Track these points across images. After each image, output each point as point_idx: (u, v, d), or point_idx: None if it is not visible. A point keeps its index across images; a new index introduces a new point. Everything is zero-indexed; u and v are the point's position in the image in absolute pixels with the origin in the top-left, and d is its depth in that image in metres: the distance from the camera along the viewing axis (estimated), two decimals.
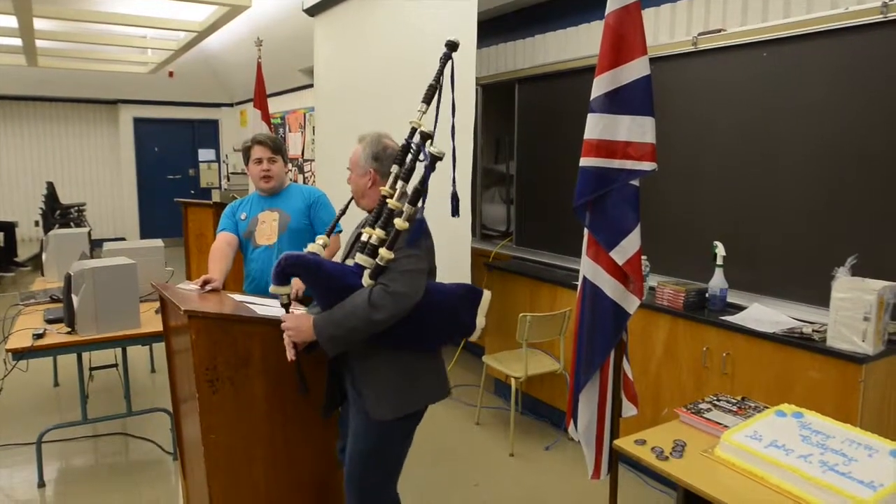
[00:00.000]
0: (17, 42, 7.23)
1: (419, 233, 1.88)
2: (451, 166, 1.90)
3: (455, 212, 2.00)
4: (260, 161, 2.84)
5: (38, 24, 6.34)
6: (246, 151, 2.89)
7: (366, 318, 1.79)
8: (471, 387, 4.32)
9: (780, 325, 2.55)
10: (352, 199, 2.13)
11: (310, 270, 1.88)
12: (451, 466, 3.32)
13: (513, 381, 3.46)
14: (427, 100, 1.94)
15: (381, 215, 1.88)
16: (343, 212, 2.20)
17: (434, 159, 1.82)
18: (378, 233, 1.84)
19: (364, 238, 1.90)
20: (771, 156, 2.76)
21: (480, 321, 1.99)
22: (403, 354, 1.95)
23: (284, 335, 1.95)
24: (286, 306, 2.00)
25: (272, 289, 1.93)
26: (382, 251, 1.81)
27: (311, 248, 1.99)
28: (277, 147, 2.87)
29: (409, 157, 1.91)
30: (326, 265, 1.89)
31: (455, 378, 4.46)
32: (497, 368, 3.61)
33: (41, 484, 3.12)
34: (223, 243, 2.80)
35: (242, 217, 2.89)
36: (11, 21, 6.15)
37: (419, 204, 1.85)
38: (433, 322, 1.94)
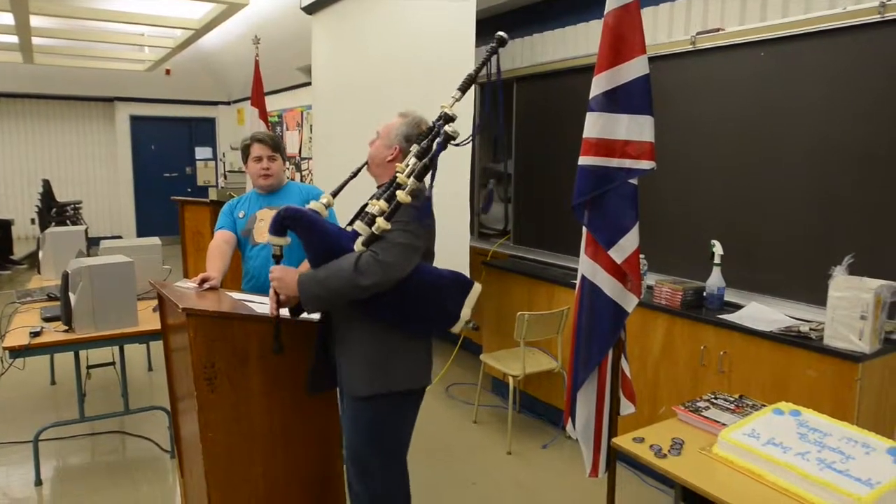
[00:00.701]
0: (14, 39, 7.21)
1: (425, 211, 1.87)
2: (433, 166, 1.85)
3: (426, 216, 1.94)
4: (259, 159, 2.84)
5: (35, 21, 6.32)
6: (245, 149, 2.89)
7: (350, 281, 1.80)
8: (468, 385, 4.32)
9: (778, 323, 2.56)
10: (365, 163, 2.12)
11: (307, 226, 1.89)
12: (448, 465, 3.33)
13: (510, 380, 3.46)
14: (463, 88, 1.94)
15: (389, 189, 1.89)
16: (353, 175, 2.18)
17: (448, 138, 1.81)
18: (381, 204, 1.84)
19: (368, 209, 1.90)
20: (769, 155, 2.77)
21: (466, 312, 1.96)
22: (382, 331, 1.94)
23: (271, 287, 1.98)
24: (277, 258, 1.99)
25: (268, 238, 1.94)
26: (379, 220, 1.81)
27: (313, 205, 1.99)
28: (276, 145, 2.87)
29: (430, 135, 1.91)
30: (324, 224, 1.91)
31: (453, 376, 4.47)
32: (495, 367, 3.61)
33: (38, 482, 3.12)
34: (221, 241, 2.80)
35: (240, 215, 2.89)
36: (8, 18, 6.13)
37: (426, 181, 1.84)
38: (416, 301, 1.92)
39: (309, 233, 1.89)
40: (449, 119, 1.86)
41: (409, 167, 1.86)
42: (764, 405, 1.95)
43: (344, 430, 2.10)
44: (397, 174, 1.85)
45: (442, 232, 3.66)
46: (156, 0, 5.93)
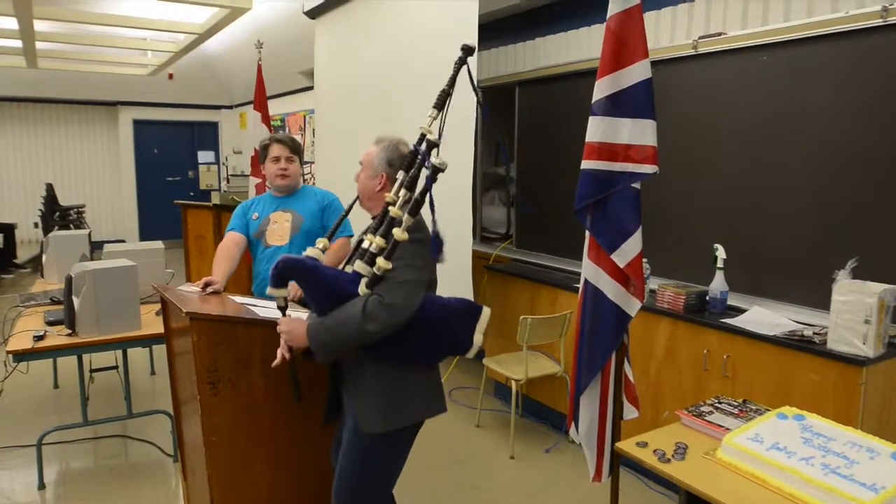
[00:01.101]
0: (18, 44, 7.24)
1: (430, 247, 1.84)
2: (429, 199, 1.77)
3: (436, 255, 1.87)
4: (277, 159, 2.84)
5: (38, 25, 6.34)
6: (264, 149, 2.89)
7: (358, 328, 1.77)
8: (471, 389, 4.32)
9: (781, 327, 2.56)
10: (357, 198, 2.10)
11: (307, 275, 1.86)
12: (450, 469, 3.32)
13: (513, 384, 3.46)
14: (438, 106, 1.90)
15: (383, 222, 1.86)
16: (347, 212, 2.18)
17: (436, 171, 1.78)
18: (378, 241, 1.80)
19: (365, 245, 1.87)
20: (771, 159, 2.77)
21: (478, 339, 1.94)
22: (394, 366, 1.91)
23: (281, 340, 1.95)
24: (282, 309, 1.98)
25: (269, 290, 1.92)
26: (380, 261, 1.78)
27: (309, 251, 1.97)
28: (296, 147, 2.88)
29: (416, 164, 1.87)
30: (324, 271, 1.88)
31: (455, 381, 4.46)
32: (497, 371, 3.61)
33: (41, 486, 3.12)
34: (230, 243, 2.79)
35: (254, 217, 2.88)
36: (12, 23, 6.15)
37: (420, 216, 1.81)
38: (427, 336, 1.90)
39: (309, 281, 1.86)
40: (432, 145, 1.82)
41: (401, 199, 1.83)
42: (768, 409, 1.95)
43: (340, 460, 2.03)
44: (389, 207, 1.82)
45: (444, 235, 3.65)
46: (159, 4, 5.94)
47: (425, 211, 1.78)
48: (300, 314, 2.15)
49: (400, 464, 2.04)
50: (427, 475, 3.23)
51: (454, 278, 3.57)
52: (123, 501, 3.02)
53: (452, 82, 1.92)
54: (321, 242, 2.02)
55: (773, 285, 2.79)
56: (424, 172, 1.80)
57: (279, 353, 1.99)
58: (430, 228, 1.81)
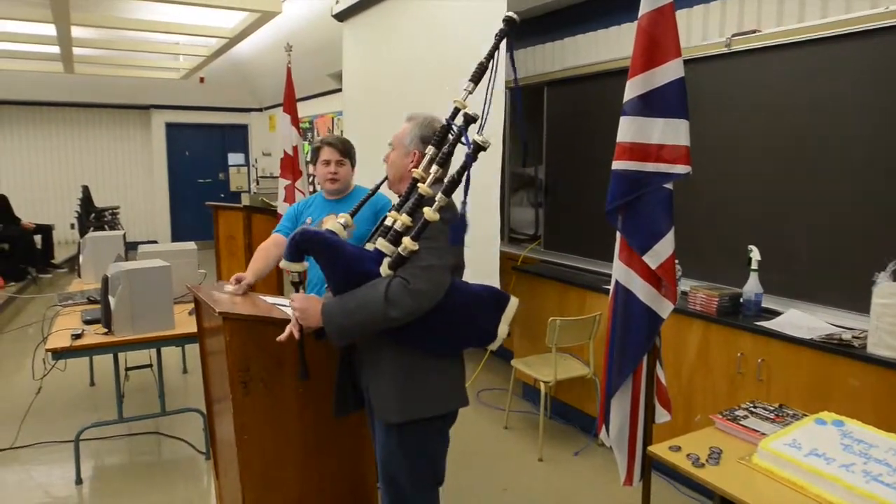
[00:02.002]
0: (56, 50, 7.43)
1: (458, 231, 1.73)
2: (466, 179, 1.67)
3: (457, 240, 1.79)
4: (328, 163, 2.81)
5: (76, 31, 6.51)
6: (315, 152, 2.86)
7: (380, 312, 1.67)
8: (499, 390, 4.31)
9: (818, 331, 2.50)
10: (384, 179, 2.01)
11: (327, 250, 1.76)
12: (479, 470, 3.31)
13: (542, 386, 3.44)
14: (475, 79, 1.79)
15: (408, 198, 1.77)
16: (372, 193, 2.11)
17: (478, 148, 1.66)
18: (404, 219, 1.69)
19: (388, 222, 1.77)
20: (808, 158, 2.70)
21: (503, 330, 1.83)
22: (412, 355, 1.82)
23: (292, 316, 1.85)
24: (296, 284, 1.88)
25: (282, 264, 1.81)
26: (406, 240, 1.66)
27: (329, 225, 1.88)
28: (347, 150, 2.83)
29: (450, 140, 1.76)
30: (345, 247, 1.78)
31: (483, 381, 4.45)
32: (526, 372, 3.59)
33: (78, 481, 3.19)
34: (272, 244, 2.73)
35: (308, 221, 2.85)
36: (50, 29, 6.32)
37: (455, 196, 1.71)
38: (451, 322, 1.79)
39: (328, 256, 1.77)
40: (470, 119, 1.71)
41: (432, 175, 1.74)
42: (805, 415, 1.90)
43: (377, 454, 1.98)
44: (418, 185, 1.73)
45: (472, 237, 3.63)
46: (191, 9, 6.05)
47: (457, 193, 1.69)
48: (286, 308, 2.06)
49: (434, 457, 1.94)
50: (455, 476, 3.22)
51: (482, 279, 3.55)
52: (157, 498, 3.07)
53: (491, 55, 1.79)
54: (343, 217, 1.92)
55: (809, 287, 2.73)
56: (460, 149, 1.70)
57: (288, 328, 1.88)
58: (459, 210, 1.73)
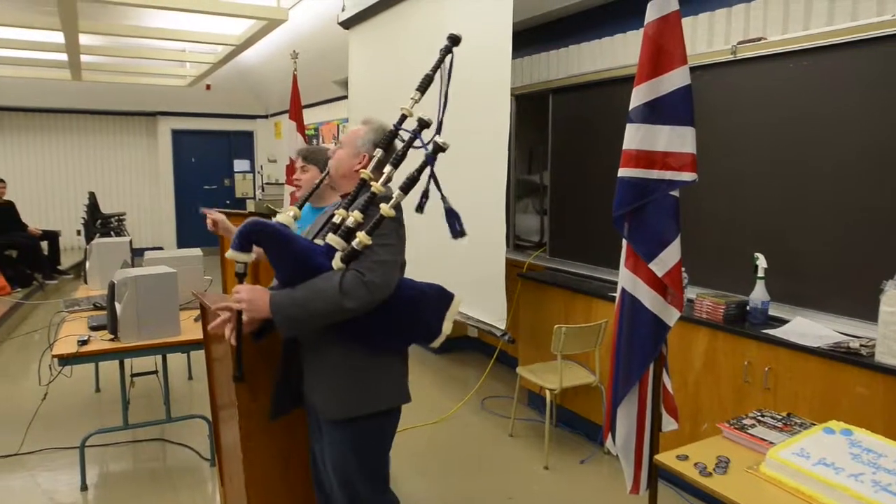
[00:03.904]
0: (63, 57, 7.48)
1: (400, 223, 1.81)
2: (430, 179, 1.74)
3: (456, 232, 1.79)
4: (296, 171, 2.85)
5: (83, 39, 6.56)
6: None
7: (334, 303, 1.68)
8: (504, 398, 4.29)
9: (825, 339, 2.49)
10: (325, 174, 2.09)
11: (276, 241, 1.74)
12: (484, 478, 3.30)
13: (547, 393, 3.43)
14: (422, 88, 1.88)
15: (356, 198, 1.81)
16: (315, 189, 2.17)
17: (437, 150, 1.73)
18: (356, 215, 1.72)
19: (336, 220, 1.78)
20: (814, 165, 2.70)
21: (447, 327, 1.86)
22: (357, 352, 1.83)
23: (234, 309, 1.78)
24: (240, 276, 1.81)
25: (229, 254, 1.74)
26: (361, 235, 1.69)
27: (280, 218, 1.86)
28: (307, 156, 2.82)
29: (400, 144, 1.83)
30: (296, 240, 1.77)
31: (488, 389, 4.44)
32: (531, 380, 3.58)
33: (84, 487, 3.19)
34: None
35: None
36: (58, 37, 6.37)
37: (416, 191, 1.75)
38: (395, 320, 1.82)
39: (278, 248, 1.75)
40: (424, 124, 1.79)
41: (385, 175, 1.79)
42: (813, 424, 1.89)
43: (327, 457, 1.97)
44: (371, 184, 1.76)
45: (478, 243, 3.64)
46: (198, 17, 6.09)
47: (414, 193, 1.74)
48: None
49: (381, 454, 1.96)
50: (460, 484, 3.22)
51: (487, 286, 3.56)
52: None
53: (436, 68, 1.92)
54: (292, 210, 1.94)
55: (816, 295, 2.71)
56: (416, 153, 1.76)
57: (227, 329, 1.83)
58: (444, 205, 1.75)
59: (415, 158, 1.79)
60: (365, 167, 1.89)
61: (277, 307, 1.74)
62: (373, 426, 1.90)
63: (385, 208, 1.70)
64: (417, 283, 1.89)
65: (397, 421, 1.99)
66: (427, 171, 1.75)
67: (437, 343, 1.90)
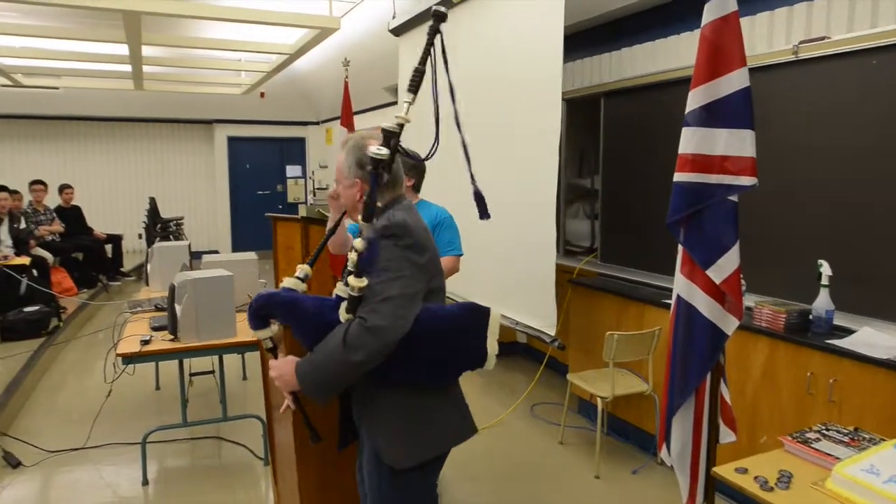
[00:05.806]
0: (127, 68, 7.81)
1: (416, 247, 1.63)
2: (466, 160, 1.67)
3: (483, 213, 1.71)
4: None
5: (146, 51, 6.83)
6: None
7: (344, 361, 1.54)
8: (553, 405, 4.25)
9: (894, 350, 2.37)
10: (344, 212, 1.92)
11: (284, 308, 1.70)
12: (533, 486, 3.27)
13: (599, 401, 3.37)
14: (413, 88, 1.69)
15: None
16: (331, 233, 1.99)
17: (374, 163, 1.57)
18: (352, 256, 1.58)
19: (352, 257, 1.63)
20: (881, 169, 2.58)
21: (492, 346, 1.71)
22: (407, 393, 1.70)
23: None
24: (271, 350, 1.81)
25: (252, 334, 1.75)
26: (351, 279, 1.56)
27: (286, 282, 1.78)
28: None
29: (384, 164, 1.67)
30: (303, 302, 1.70)
31: (537, 395, 4.40)
32: (582, 387, 3.53)
33: (145, 482, 3.31)
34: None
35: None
36: (123, 49, 6.65)
37: (405, 218, 1.64)
38: (430, 352, 1.66)
39: (289, 314, 1.70)
40: (389, 133, 1.65)
41: (390, 196, 1.72)
42: (883, 439, 1.81)
43: (370, 495, 1.82)
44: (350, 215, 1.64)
45: (527, 249, 3.61)
46: (253, 27, 6.26)
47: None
48: None
49: (431, 494, 1.83)
50: (510, 491, 3.20)
51: (537, 291, 3.53)
52: (219, 501, 3.15)
53: (425, 58, 1.72)
54: (302, 270, 1.81)
55: (884, 304, 2.59)
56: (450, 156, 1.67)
57: (287, 401, 1.79)
58: (472, 187, 1.64)
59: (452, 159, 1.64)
60: (362, 193, 1.73)
61: (302, 377, 1.66)
62: (430, 467, 1.78)
63: (357, 243, 1.56)
64: (445, 309, 1.72)
65: (446, 456, 1.84)
66: (462, 150, 1.64)
67: (489, 366, 1.74)
